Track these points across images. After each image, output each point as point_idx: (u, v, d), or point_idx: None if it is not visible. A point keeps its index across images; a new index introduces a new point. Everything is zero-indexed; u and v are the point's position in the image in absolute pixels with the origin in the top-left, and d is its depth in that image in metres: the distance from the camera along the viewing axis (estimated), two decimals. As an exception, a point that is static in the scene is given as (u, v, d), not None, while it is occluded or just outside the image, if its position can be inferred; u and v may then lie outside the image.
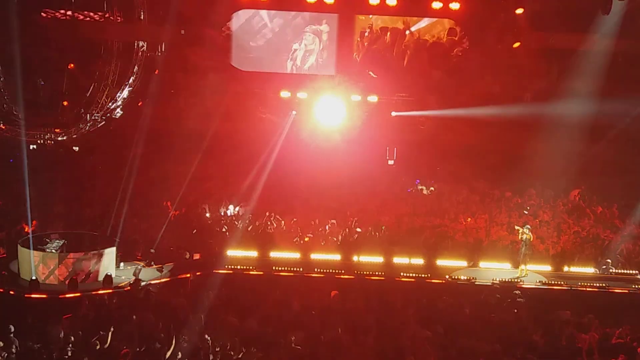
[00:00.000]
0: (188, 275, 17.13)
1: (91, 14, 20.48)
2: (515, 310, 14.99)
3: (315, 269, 17.77)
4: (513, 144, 25.45)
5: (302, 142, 24.27)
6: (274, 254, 18.38)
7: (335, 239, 18.95)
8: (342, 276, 17.56)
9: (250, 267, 17.88)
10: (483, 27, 19.11)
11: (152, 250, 18.33)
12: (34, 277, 16.11)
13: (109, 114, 21.16)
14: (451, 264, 18.41)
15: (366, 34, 18.54)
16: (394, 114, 21.16)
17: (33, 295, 15.65)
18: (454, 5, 17.84)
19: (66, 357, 11.81)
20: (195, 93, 26.63)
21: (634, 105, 21.80)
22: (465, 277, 17.84)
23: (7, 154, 24.76)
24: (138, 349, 11.94)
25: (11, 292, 15.86)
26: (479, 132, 26.13)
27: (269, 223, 19.31)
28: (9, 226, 18.93)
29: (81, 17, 20.58)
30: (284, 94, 19.70)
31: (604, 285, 17.67)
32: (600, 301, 16.64)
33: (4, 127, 21.11)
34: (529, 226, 18.46)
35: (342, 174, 24.79)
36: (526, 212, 21.35)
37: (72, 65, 21.34)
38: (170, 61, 26.74)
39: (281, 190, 23.55)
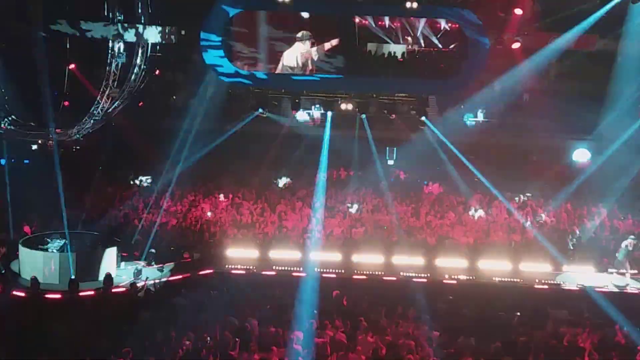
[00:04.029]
0: (188, 275, 17.15)
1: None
2: (519, 313, 15.01)
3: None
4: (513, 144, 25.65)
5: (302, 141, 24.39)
6: (273, 254, 18.39)
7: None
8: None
9: (252, 267, 17.93)
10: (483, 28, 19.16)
11: (153, 250, 18.37)
12: (34, 277, 16.14)
13: (109, 114, 21.22)
14: (452, 264, 18.42)
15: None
16: (393, 116, 21.31)
17: (34, 295, 15.69)
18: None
19: (66, 356, 11.86)
20: (194, 93, 26.75)
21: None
22: (466, 277, 17.91)
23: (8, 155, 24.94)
24: (138, 348, 11.99)
25: (12, 292, 15.90)
26: (480, 131, 26.33)
27: None
28: (9, 226, 18.97)
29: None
30: (285, 95, 19.83)
31: (604, 285, 17.73)
32: (600, 300, 16.64)
33: (4, 128, 21.15)
34: (633, 237, 18.62)
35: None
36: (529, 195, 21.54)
37: (72, 65, 21.42)
38: (170, 61, 26.85)
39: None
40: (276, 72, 19.09)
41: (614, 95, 22.54)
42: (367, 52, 19.43)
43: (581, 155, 24.32)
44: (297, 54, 19.00)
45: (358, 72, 19.33)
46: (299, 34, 18.84)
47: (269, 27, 18.90)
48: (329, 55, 19.00)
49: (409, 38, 19.72)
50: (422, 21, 19.35)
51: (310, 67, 19.06)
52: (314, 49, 18.92)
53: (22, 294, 15.69)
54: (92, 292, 15.81)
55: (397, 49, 19.63)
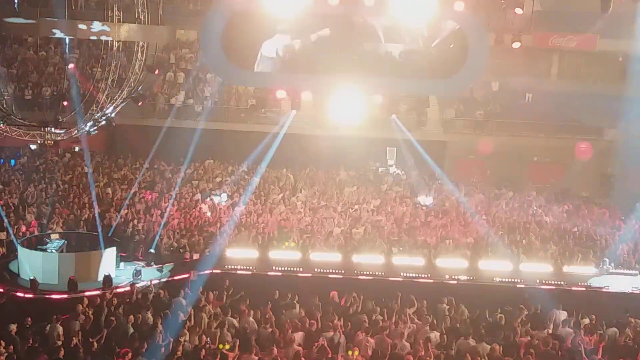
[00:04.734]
0: (188, 275, 17.10)
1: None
2: (525, 312, 14.95)
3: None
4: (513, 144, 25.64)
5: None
6: (273, 254, 18.33)
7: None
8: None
9: (251, 267, 17.88)
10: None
11: (152, 251, 18.33)
12: (33, 277, 16.09)
13: (108, 114, 21.17)
14: (452, 264, 18.35)
15: None
16: (393, 116, 21.30)
17: (33, 296, 15.65)
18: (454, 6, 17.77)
19: (66, 356, 11.81)
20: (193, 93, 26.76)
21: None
22: (466, 277, 17.86)
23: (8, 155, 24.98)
24: (138, 349, 11.96)
25: (11, 292, 15.87)
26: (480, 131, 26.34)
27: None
28: (8, 226, 18.91)
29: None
30: (281, 93, 19.74)
31: (605, 285, 17.68)
32: (601, 301, 16.62)
33: (4, 128, 21.12)
34: None
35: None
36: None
37: (72, 65, 21.41)
38: (170, 61, 26.85)
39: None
40: (256, 62, 19.03)
41: (621, 95, 22.50)
42: (363, 51, 19.36)
43: (583, 154, 24.32)
44: (277, 46, 18.87)
45: (356, 72, 19.20)
46: (280, 27, 18.76)
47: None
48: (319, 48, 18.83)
49: (407, 37, 19.62)
50: (422, 20, 19.25)
51: (286, 59, 18.95)
52: (297, 41, 18.79)
53: (23, 295, 15.69)
54: (90, 293, 15.76)
55: (395, 48, 19.53)
